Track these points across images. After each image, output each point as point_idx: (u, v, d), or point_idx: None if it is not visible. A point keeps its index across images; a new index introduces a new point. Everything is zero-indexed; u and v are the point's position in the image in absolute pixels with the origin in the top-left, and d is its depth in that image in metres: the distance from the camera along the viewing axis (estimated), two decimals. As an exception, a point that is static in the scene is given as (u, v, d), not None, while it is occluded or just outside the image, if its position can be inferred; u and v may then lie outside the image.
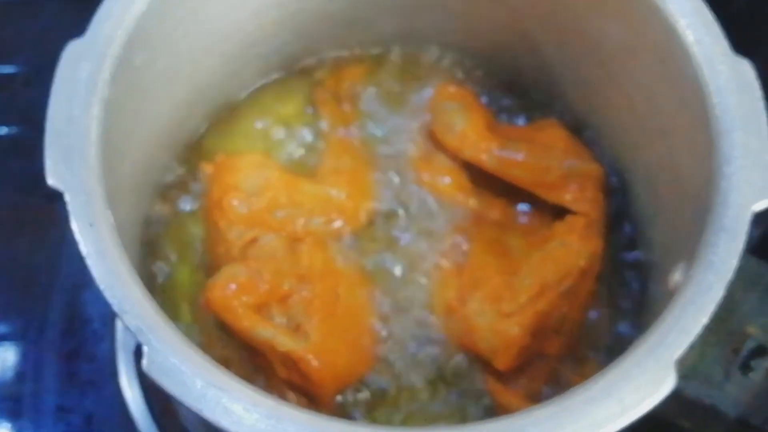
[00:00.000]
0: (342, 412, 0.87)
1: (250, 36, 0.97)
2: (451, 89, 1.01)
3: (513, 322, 0.86)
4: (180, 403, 0.65)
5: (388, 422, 0.87)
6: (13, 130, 1.26)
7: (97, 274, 0.69)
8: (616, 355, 0.70)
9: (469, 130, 0.96)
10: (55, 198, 0.71)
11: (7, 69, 1.30)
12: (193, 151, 1.00)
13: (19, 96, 1.28)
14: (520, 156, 0.94)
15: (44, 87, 0.76)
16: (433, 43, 1.06)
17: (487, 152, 0.95)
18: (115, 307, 0.68)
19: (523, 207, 0.98)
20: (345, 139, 1.00)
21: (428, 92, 1.03)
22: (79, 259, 0.69)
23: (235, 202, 0.90)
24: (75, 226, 0.70)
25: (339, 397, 0.87)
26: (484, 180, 0.97)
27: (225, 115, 1.02)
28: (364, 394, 0.88)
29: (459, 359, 0.89)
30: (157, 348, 0.66)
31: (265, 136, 1.00)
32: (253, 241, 0.90)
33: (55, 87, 0.76)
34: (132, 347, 1.08)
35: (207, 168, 0.96)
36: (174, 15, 0.85)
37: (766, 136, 0.76)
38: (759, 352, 0.82)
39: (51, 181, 0.72)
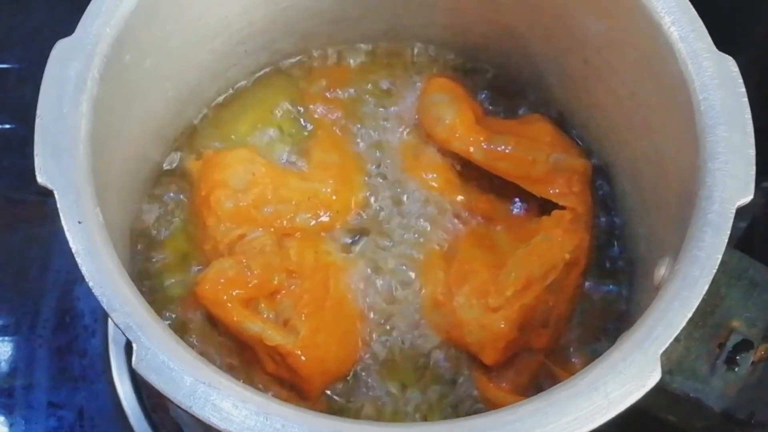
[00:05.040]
0: (329, 405, 0.88)
1: (239, 33, 0.97)
2: (441, 81, 1.01)
3: (500, 317, 0.87)
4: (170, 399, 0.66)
5: (375, 417, 0.87)
6: (6, 125, 1.26)
7: (86, 271, 0.69)
8: (602, 350, 0.71)
9: (458, 123, 0.96)
10: (47, 193, 0.72)
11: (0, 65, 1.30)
12: (183, 148, 1.00)
13: (11, 92, 1.28)
14: (507, 149, 0.95)
15: (37, 83, 0.76)
16: (420, 39, 1.06)
17: (475, 145, 0.95)
18: (105, 305, 0.68)
19: (510, 202, 0.98)
20: (332, 135, 1.00)
21: (416, 88, 1.03)
22: (70, 255, 0.70)
23: (222, 199, 0.91)
24: (64, 224, 0.70)
25: (327, 391, 0.88)
26: (472, 175, 0.98)
27: (214, 111, 1.02)
28: (352, 388, 0.89)
29: (446, 353, 0.90)
30: (146, 345, 0.66)
31: (254, 132, 0.99)
32: (240, 237, 0.90)
33: (44, 85, 0.76)
34: (123, 342, 1.09)
35: (195, 164, 0.96)
36: (162, 13, 0.85)
37: (750, 132, 0.76)
38: (744, 346, 0.82)
39: (40, 179, 0.72)
